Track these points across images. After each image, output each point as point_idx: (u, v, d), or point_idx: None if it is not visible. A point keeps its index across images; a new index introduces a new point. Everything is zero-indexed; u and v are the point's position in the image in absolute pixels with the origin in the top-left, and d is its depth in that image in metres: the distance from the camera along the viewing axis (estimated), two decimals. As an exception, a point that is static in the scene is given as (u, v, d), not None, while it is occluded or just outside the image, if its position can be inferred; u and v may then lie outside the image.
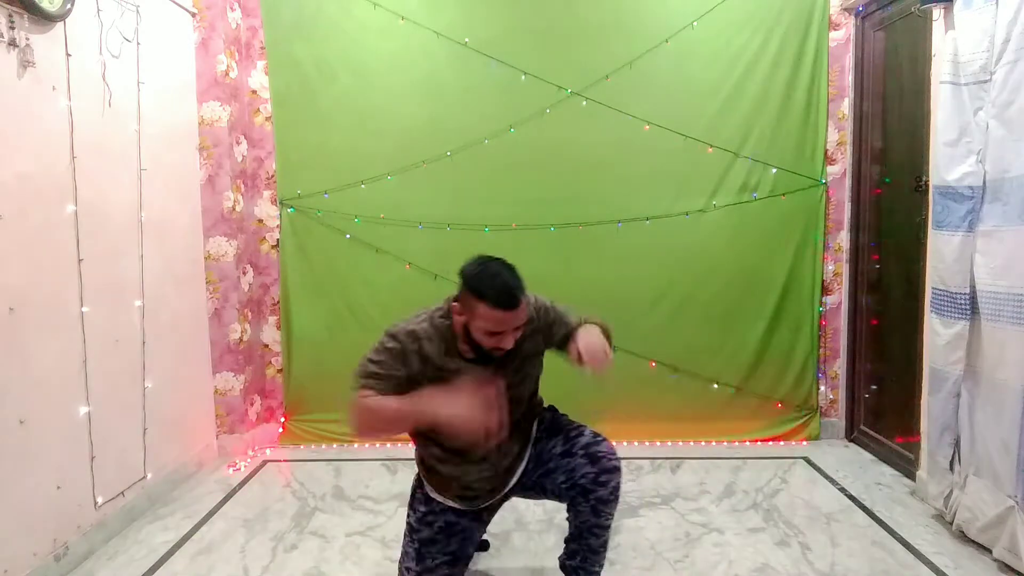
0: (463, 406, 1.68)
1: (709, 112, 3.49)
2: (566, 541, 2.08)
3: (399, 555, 2.04)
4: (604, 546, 2.03)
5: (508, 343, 1.79)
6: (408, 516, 2.04)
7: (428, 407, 1.72)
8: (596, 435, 2.01)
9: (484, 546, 2.43)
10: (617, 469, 1.95)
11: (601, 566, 2.05)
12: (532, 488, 2.05)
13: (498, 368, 1.86)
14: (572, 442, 1.99)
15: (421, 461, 2.01)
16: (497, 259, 1.82)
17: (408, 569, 1.97)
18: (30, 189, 2.22)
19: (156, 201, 2.92)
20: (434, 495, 1.99)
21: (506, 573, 2.31)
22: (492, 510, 2.09)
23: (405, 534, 2.03)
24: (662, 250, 3.55)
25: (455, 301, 1.82)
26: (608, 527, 2.00)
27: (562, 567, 2.09)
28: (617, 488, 1.95)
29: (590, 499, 1.93)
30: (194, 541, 2.57)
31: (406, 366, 1.80)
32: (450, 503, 1.99)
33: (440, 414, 1.69)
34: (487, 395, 1.69)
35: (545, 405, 2.15)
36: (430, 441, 1.91)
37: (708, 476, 3.12)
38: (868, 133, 3.43)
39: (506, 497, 2.07)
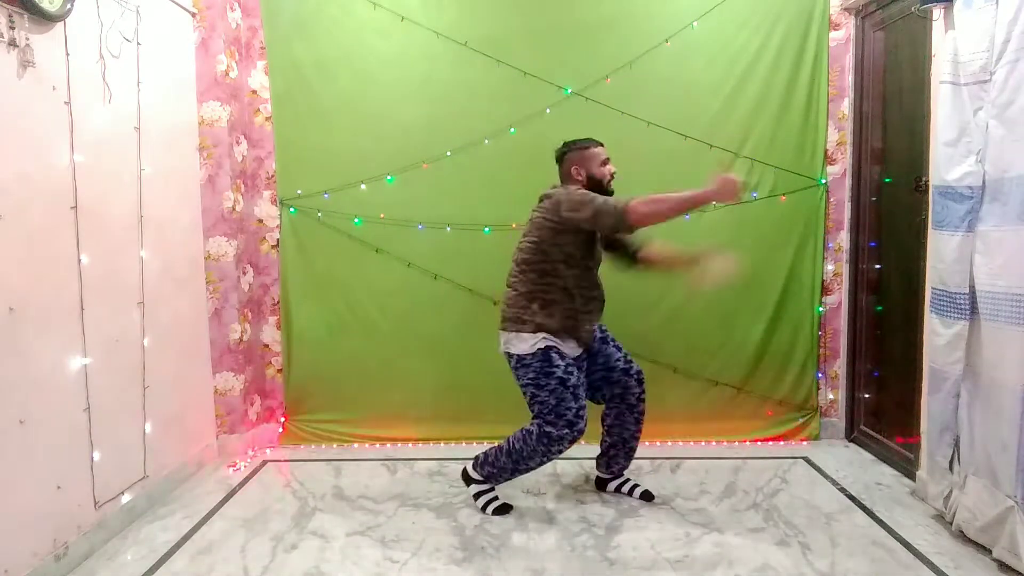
0: (718, 185, 2.40)
1: (709, 112, 3.49)
2: (603, 455, 2.95)
3: (542, 409, 2.60)
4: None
5: (613, 167, 2.73)
6: (549, 376, 2.57)
7: (700, 194, 2.44)
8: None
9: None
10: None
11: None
12: (593, 365, 2.79)
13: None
14: (629, 363, 2.84)
15: (562, 316, 2.61)
16: None
17: (570, 409, 2.56)
18: (30, 189, 2.22)
19: (156, 201, 2.92)
20: (564, 348, 2.62)
21: (506, 573, 2.32)
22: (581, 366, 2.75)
23: (551, 389, 2.56)
24: (662, 250, 3.55)
25: (570, 171, 2.71)
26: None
27: (606, 477, 2.96)
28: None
29: (634, 412, 2.84)
30: (194, 541, 2.57)
31: None
32: (569, 353, 2.65)
33: (708, 194, 2.42)
34: (726, 176, 2.41)
35: None
36: (583, 293, 2.64)
37: (708, 476, 3.13)
38: (868, 133, 3.43)
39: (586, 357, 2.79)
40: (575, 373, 2.62)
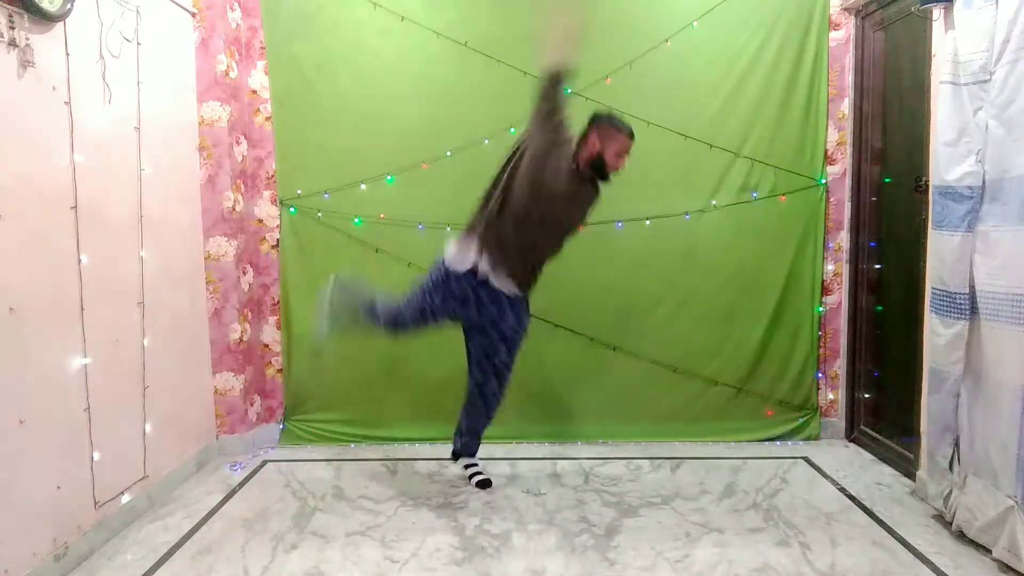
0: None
1: (709, 112, 3.49)
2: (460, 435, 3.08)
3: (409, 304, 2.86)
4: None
5: (624, 164, 2.68)
6: (433, 277, 2.77)
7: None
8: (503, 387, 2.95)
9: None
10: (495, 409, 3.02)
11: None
12: (479, 333, 2.85)
13: (586, 193, 2.71)
14: (481, 384, 2.91)
15: (492, 243, 2.70)
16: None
17: (403, 315, 2.84)
18: (30, 189, 2.22)
19: (156, 201, 2.92)
20: (472, 269, 2.70)
21: (506, 573, 2.32)
22: (475, 313, 2.78)
23: (414, 291, 2.83)
24: (662, 250, 3.55)
25: (588, 136, 2.64)
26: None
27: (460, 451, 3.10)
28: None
29: (480, 411, 2.97)
30: (194, 541, 2.57)
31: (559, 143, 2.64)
32: (472, 284, 2.71)
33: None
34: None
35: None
36: (523, 231, 2.67)
37: (708, 476, 3.13)
38: (868, 133, 3.43)
39: (482, 309, 2.77)
40: (442, 307, 2.76)
